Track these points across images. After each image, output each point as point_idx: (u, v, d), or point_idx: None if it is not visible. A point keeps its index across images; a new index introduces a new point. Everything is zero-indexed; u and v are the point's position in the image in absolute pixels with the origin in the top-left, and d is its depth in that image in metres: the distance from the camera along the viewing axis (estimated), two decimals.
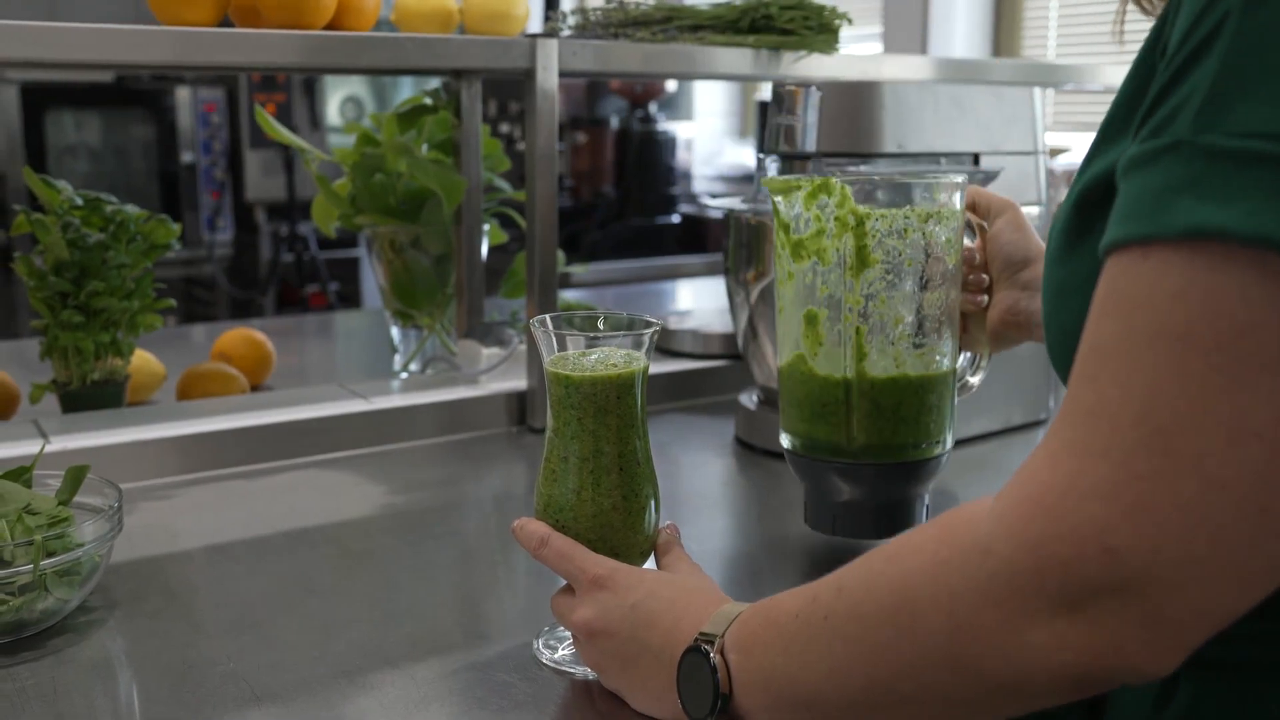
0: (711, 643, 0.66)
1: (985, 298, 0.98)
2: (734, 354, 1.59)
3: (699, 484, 1.29)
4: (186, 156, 4.06)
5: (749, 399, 1.37)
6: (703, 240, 4.60)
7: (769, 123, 1.25)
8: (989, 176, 1.23)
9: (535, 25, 1.60)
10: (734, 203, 1.39)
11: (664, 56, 1.45)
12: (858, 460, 0.92)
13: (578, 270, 2.64)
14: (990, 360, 1.03)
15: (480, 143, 1.54)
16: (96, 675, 0.81)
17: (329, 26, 1.30)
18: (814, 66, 1.52)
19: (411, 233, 1.56)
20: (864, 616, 0.57)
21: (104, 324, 1.33)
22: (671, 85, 4.90)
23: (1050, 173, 1.43)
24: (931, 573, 0.54)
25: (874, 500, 0.94)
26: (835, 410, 0.92)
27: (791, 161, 1.22)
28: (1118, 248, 0.50)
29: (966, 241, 0.97)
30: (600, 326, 0.82)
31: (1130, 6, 0.68)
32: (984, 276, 0.98)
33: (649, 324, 0.80)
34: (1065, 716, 0.65)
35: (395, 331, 1.66)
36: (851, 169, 1.18)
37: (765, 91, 4.40)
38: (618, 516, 0.79)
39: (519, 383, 1.44)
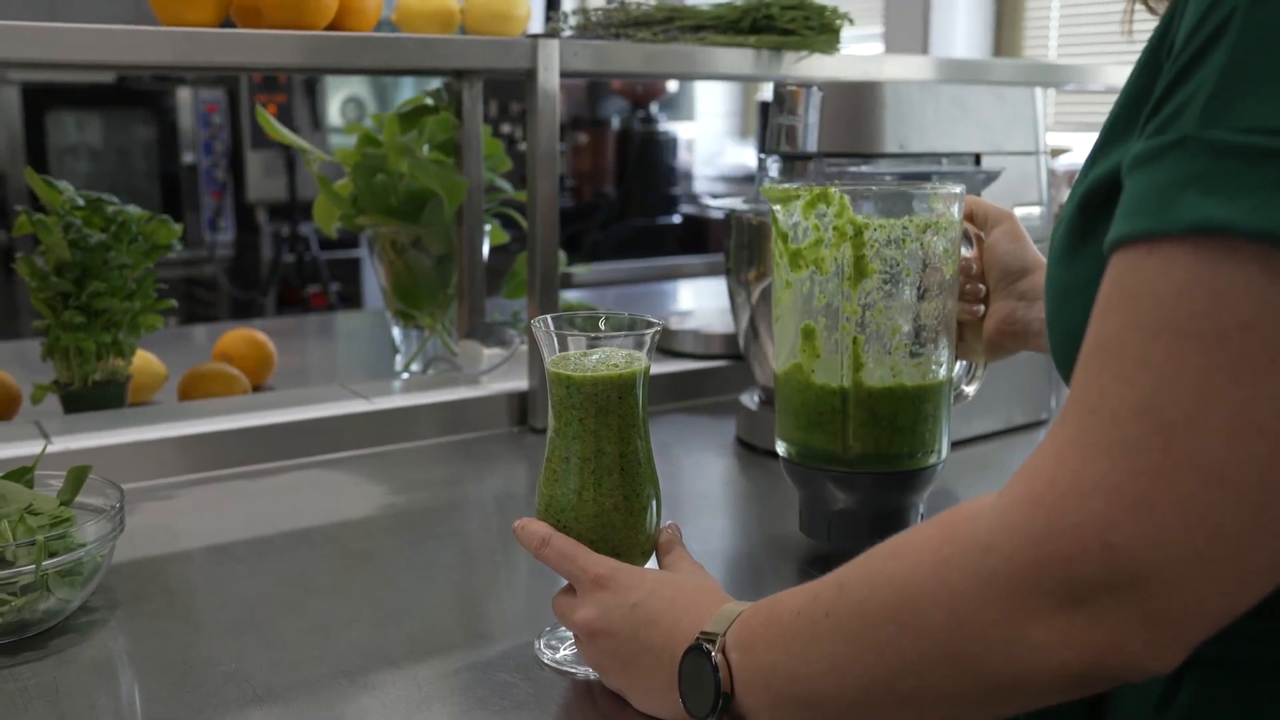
0: (713, 641, 0.66)
1: (982, 307, 0.99)
2: (735, 354, 1.59)
3: (700, 484, 1.29)
4: (188, 157, 4.06)
5: (750, 399, 1.37)
6: (704, 240, 4.60)
7: (770, 123, 1.25)
8: (990, 177, 1.23)
9: (536, 25, 1.60)
10: (735, 203, 1.39)
11: (665, 57, 1.45)
12: (853, 469, 0.93)
13: (579, 271, 2.64)
14: (986, 370, 1.04)
15: (481, 143, 1.54)
16: (98, 675, 0.81)
17: (330, 27, 1.30)
18: (815, 67, 1.52)
19: (413, 233, 1.56)
20: (865, 614, 0.57)
21: (105, 324, 1.33)
22: (673, 85, 4.90)
23: (1052, 173, 1.43)
24: (932, 570, 0.54)
25: (869, 509, 0.94)
26: (831, 419, 0.92)
27: (793, 162, 1.22)
28: (1123, 244, 0.50)
29: (964, 251, 0.97)
30: (601, 327, 0.82)
31: (1137, 5, 0.68)
32: (981, 286, 0.99)
33: (650, 324, 0.81)
34: (1066, 716, 0.65)
35: (396, 332, 1.66)
36: (853, 168, 1.18)
37: (766, 92, 4.40)
38: (619, 516, 0.79)
39: (520, 383, 1.44)
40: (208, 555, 1.04)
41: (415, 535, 1.08)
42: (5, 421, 1.37)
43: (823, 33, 1.51)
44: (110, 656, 0.83)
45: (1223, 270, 0.47)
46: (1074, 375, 0.52)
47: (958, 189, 0.91)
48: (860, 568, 0.60)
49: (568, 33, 1.55)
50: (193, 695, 0.77)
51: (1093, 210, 0.58)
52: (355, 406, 1.35)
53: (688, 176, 5.03)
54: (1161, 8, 0.67)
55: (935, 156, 1.23)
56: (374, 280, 1.70)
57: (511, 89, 4.01)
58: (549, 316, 0.81)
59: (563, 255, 1.50)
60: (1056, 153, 1.83)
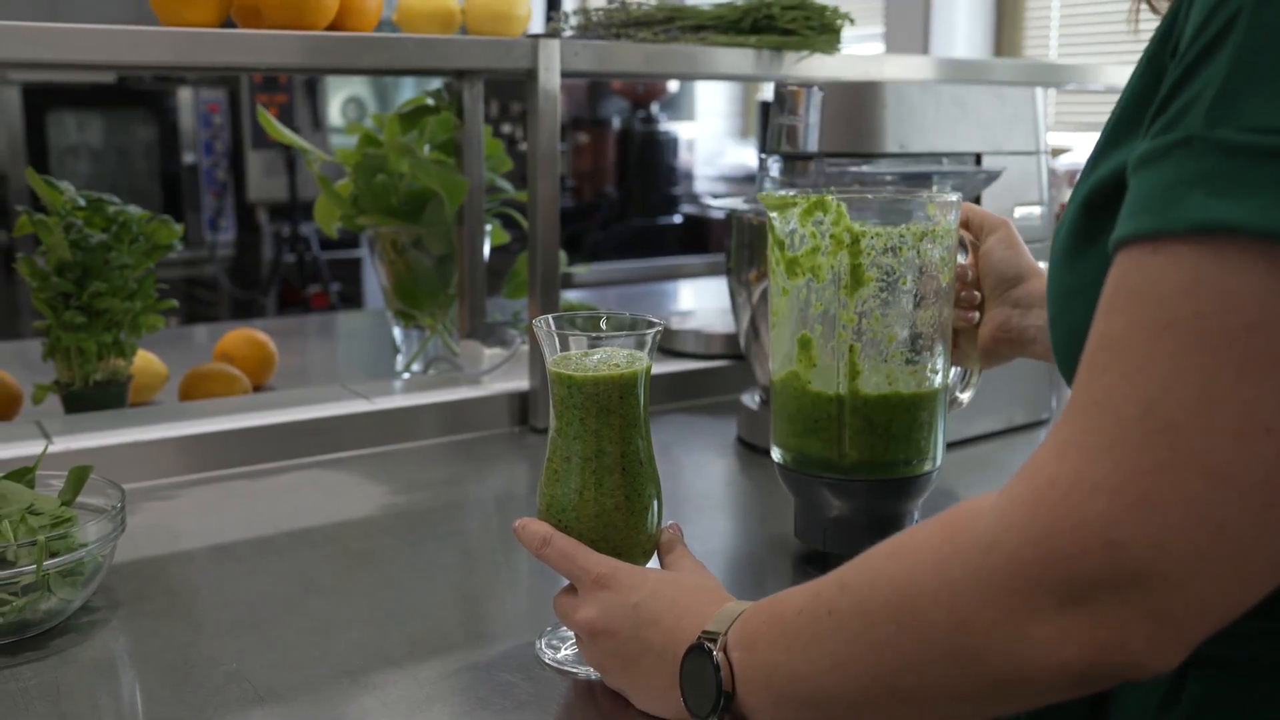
0: (714, 640, 0.66)
1: (977, 314, 0.99)
2: (736, 354, 1.59)
3: (701, 484, 1.29)
4: (188, 157, 4.06)
5: (751, 399, 1.37)
6: (704, 240, 4.61)
7: (771, 123, 1.25)
8: (991, 176, 1.23)
9: (537, 26, 1.60)
10: (736, 203, 1.39)
11: (666, 57, 1.45)
12: (849, 476, 0.93)
13: (580, 270, 2.64)
14: (981, 376, 1.04)
15: (482, 143, 1.54)
16: (99, 675, 0.81)
17: (331, 27, 1.30)
18: (816, 67, 1.52)
19: (413, 233, 1.56)
20: (867, 612, 0.57)
21: (106, 324, 1.33)
22: (673, 85, 4.90)
23: (1052, 173, 1.43)
24: (934, 568, 0.54)
25: (864, 516, 0.94)
26: (828, 426, 0.92)
27: (794, 162, 1.22)
28: (1127, 243, 0.50)
29: (959, 258, 0.97)
30: (603, 327, 0.82)
31: (1142, 4, 0.68)
32: (976, 293, 0.99)
33: (651, 324, 0.81)
34: (1067, 716, 0.65)
35: (397, 332, 1.66)
36: (854, 169, 1.18)
37: (767, 92, 4.40)
38: (620, 516, 0.79)
39: (521, 383, 1.44)
40: (209, 555, 1.04)
41: (416, 535, 1.08)
42: (6, 422, 1.37)
43: (823, 33, 1.51)
44: (111, 656, 0.84)
45: (1228, 270, 0.47)
46: (1077, 374, 0.52)
47: (954, 197, 0.91)
48: (862, 566, 0.60)
49: (568, 33, 1.55)
50: (194, 695, 0.77)
51: (1096, 211, 0.58)
52: (356, 406, 1.35)
53: (688, 176, 5.03)
54: (1164, 6, 0.67)
55: (936, 156, 1.23)
56: (375, 280, 1.70)
57: (512, 89, 4.01)
58: (550, 316, 0.81)
59: (563, 255, 1.50)
60: (1057, 152, 1.83)
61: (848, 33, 1.54)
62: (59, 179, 1.36)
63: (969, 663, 0.53)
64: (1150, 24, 0.62)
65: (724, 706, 0.65)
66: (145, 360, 1.47)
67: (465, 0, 1.47)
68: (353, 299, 4.17)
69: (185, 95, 4.03)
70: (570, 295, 2.13)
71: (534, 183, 1.38)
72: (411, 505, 1.17)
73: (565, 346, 0.80)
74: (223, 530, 1.09)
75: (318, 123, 4.08)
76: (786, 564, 1.02)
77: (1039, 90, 1.33)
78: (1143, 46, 0.59)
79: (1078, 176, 0.63)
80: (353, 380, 1.48)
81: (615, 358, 0.80)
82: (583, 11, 1.58)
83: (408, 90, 4.12)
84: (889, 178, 1.19)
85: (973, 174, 1.23)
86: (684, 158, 4.96)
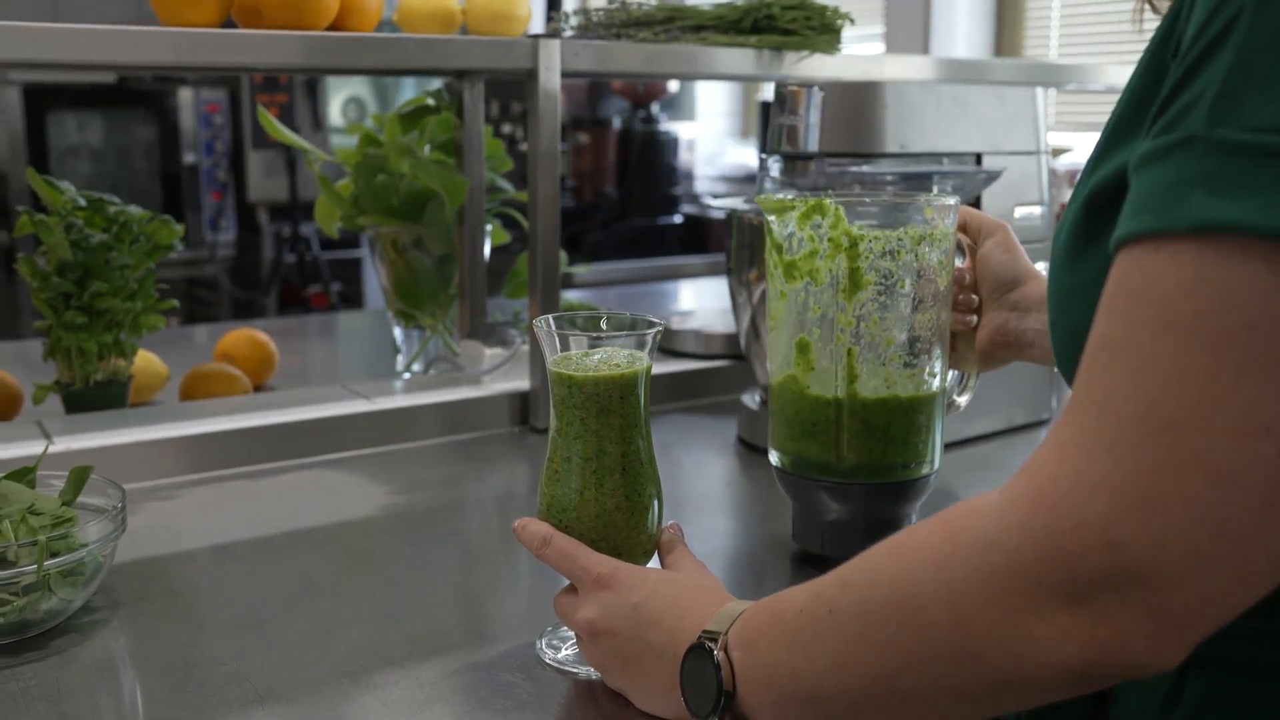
0: (715, 640, 0.66)
1: (974, 318, 0.99)
2: (736, 354, 1.59)
3: (702, 484, 1.29)
4: (189, 157, 4.06)
5: (751, 399, 1.37)
6: (705, 240, 4.61)
7: (771, 123, 1.25)
8: (991, 176, 1.23)
9: (537, 26, 1.60)
10: (736, 203, 1.39)
11: (666, 57, 1.45)
12: (847, 479, 0.93)
13: (580, 271, 2.64)
14: (978, 380, 1.04)
15: (483, 143, 1.54)
16: (100, 675, 0.81)
17: (331, 27, 1.30)
18: (816, 67, 1.52)
19: (414, 233, 1.56)
20: (867, 611, 0.57)
21: (107, 324, 1.33)
22: (674, 85, 4.90)
23: (1053, 173, 1.43)
24: (935, 567, 0.54)
25: (862, 519, 0.95)
26: (826, 429, 0.92)
27: (794, 162, 1.22)
28: (1129, 242, 0.50)
29: (957, 262, 0.97)
30: (603, 327, 0.82)
31: (1144, 3, 0.68)
32: (973, 297, 0.99)
33: (652, 324, 0.81)
34: (1068, 716, 0.65)
35: (398, 332, 1.66)
36: (854, 168, 1.18)
37: (767, 92, 4.40)
38: (621, 516, 0.79)
39: (521, 383, 1.44)
40: (209, 555, 1.04)
41: (417, 535, 1.08)
42: (7, 422, 1.37)
43: (824, 33, 1.51)
44: (112, 656, 0.84)
45: (1230, 269, 0.47)
46: (1078, 374, 0.52)
47: (952, 200, 0.91)
48: (862, 566, 0.60)
49: (569, 33, 1.55)
50: (195, 695, 0.77)
51: (1097, 211, 0.58)
52: (357, 406, 1.35)
53: (689, 176, 5.03)
54: (1164, 6, 0.67)
55: (936, 156, 1.23)
56: (375, 280, 1.71)
57: (513, 89, 4.01)
58: (550, 316, 0.81)
59: (564, 255, 1.50)
60: (1057, 152, 1.83)
61: (848, 33, 1.54)
62: (59, 179, 1.36)
63: (969, 662, 0.53)
64: (1153, 24, 0.62)
65: (724, 706, 0.65)
66: (146, 360, 1.47)
67: (466, 0, 1.47)
68: (353, 299, 4.17)
69: (186, 95, 4.03)
70: (570, 295, 2.13)
71: (534, 183, 1.38)
72: (412, 505, 1.17)
73: (566, 346, 0.80)
74: (223, 530, 1.09)
75: (318, 123, 4.08)
76: (786, 564, 1.02)
77: (1039, 90, 1.33)
78: (1143, 46, 0.59)
79: (1078, 177, 0.63)
80: (353, 380, 1.48)
81: (616, 358, 0.80)
82: (583, 11, 1.58)
83: (408, 90, 4.12)
84: (889, 178, 1.19)
85: (973, 174, 1.23)
86: (684, 158, 4.96)
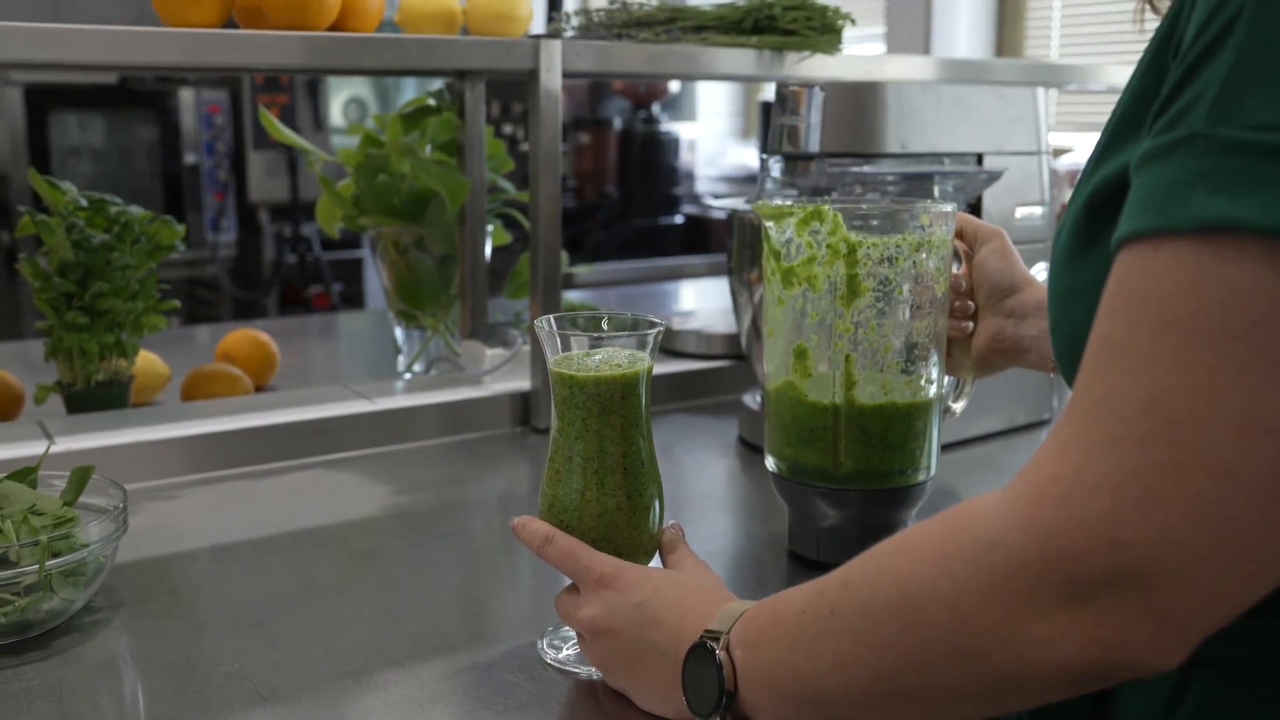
0: (717, 639, 0.66)
1: (970, 324, 1.00)
2: (737, 354, 1.59)
3: (703, 484, 1.29)
4: (190, 158, 4.06)
5: (752, 399, 1.37)
6: (706, 241, 4.61)
7: (772, 123, 1.25)
8: (992, 177, 1.23)
9: (538, 26, 1.60)
10: (737, 203, 1.39)
11: (667, 57, 1.45)
12: (844, 486, 0.93)
13: (581, 271, 2.64)
14: (974, 386, 1.04)
15: (484, 143, 1.54)
16: (102, 675, 0.81)
17: (333, 27, 1.30)
18: (817, 67, 1.52)
19: (415, 233, 1.56)
20: (869, 611, 0.57)
21: (108, 325, 1.33)
22: (675, 86, 4.90)
23: (1054, 173, 1.43)
24: (937, 566, 0.54)
25: (859, 525, 0.95)
26: (823, 436, 0.93)
27: (795, 162, 1.22)
28: (1130, 241, 0.50)
29: (953, 268, 0.98)
30: (604, 327, 0.82)
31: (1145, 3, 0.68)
32: (970, 303, 0.99)
33: (653, 324, 0.81)
34: (1069, 716, 0.65)
35: (399, 332, 1.66)
36: (855, 169, 1.18)
37: (768, 92, 4.40)
38: (622, 516, 0.79)
39: (523, 383, 1.44)
40: (211, 555, 1.04)
41: (418, 535, 1.08)
42: (8, 422, 1.37)
43: (825, 33, 1.51)
44: (114, 656, 0.84)
45: (1231, 267, 0.47)
46: (1079, 373, 0.52)
47: (949, 207, 0.91)
48: (864, 565, 0.60)
49: (570, 33, 1.55)
50: (196, 695, 0.77)
51: (1098, 212, 0.58)
52: (358, 407, 1.35)
53: (690, 177, 5.03)
54: (1164, 6, 0.67)
55: (937, 156, 1.23)
56: (376, 281, 1.70)
57: (514, 89, 4.01)
58: (552, 317, 0.81)
59: (565, 256, 1.50)
60: (1059, 153, 1.83)
61: (849, 33, 1.54)
62: (61, 179, 1.36)
63: (971, 661, 0.53)
64: (1154, 24, 0.62)
65: (726, 705, 0.65)
66: (147, 360, 1.47)
67: (467, 1, 1.47)
68: (354, 299, 4.17)
69: (187, 96, 4.03)
70: (572, 295, 2.13)
71: (535, 183, 1.38)
72: (413, 505, 1.17)
73: (567, 347, 0.80)
74: (225, 530, 1.09)
75: (319, 123, 4.08)
76: (786, 564, 1.02)
77: (1040, 90, 1.33)
78: (1144, 46, 0.59)
79: (1078, 177, 0.63)
80: (354, 380, 1.48)
81: (617, 358, 0.80)
82: (584, 12, 1.58)
83: (409, 91, 4.12)
84: (890, 178, 1.19)
85: (974, 174, 1.23)
86: (685, 158, 4.96)
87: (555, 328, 0.80)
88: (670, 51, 1.45)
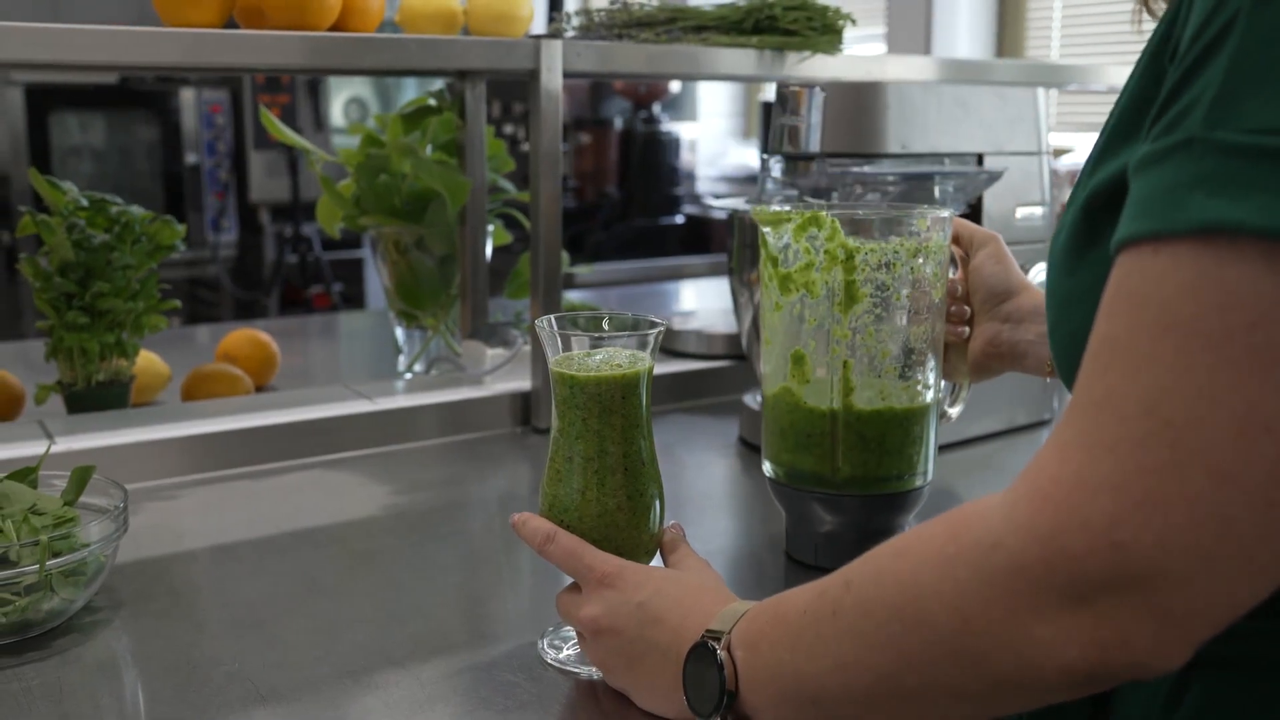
0: (718, 639, 0.66)
1: (966, 329, 1.00)
2: (738, 354, 1.59)
3: (703, 484, 1.29)
4: (191, 158, 4.06)
5: (753, 399, 1.37)
6: (706, 241, 4.61)
7: (773, 123, 1.25)
8: (993, 177, 1.23)
9: (539, 26, 1.60)
10: (738, 203, 1.39)
11: (668, 57, 1.45)
12: (841, 491, 0.93)
13: (582, 271, 2.64)
14: (969, 391, 1.04)
15: (484, 143, 1.54)
16: (102, 675, 0.81)
17: (333, 28, 1.30)
18: (818, 67, 1.52)
19: (416, 233, 1.56)
20: (871, 612, 0.57)
21: (109, 325, 1.33)
22: (675, 86, 4.90)
23: (1054, 173, 1.43)
24: (939, 567, 0.54)
25: (856, 530, 0.95)
26: (821, 441, 0.93)
27: (795, 162, 1.22)
28: (1129, 244, 0.50)
29: (949, 273, 0.98)
30: (605, 327, 0.82)
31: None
32: (966, 308, 1.00)
33: (653, 324, 0.81)
34: (1070, 716, 0.65)
35: (399, 332, 1.66)
36: (856, 169, 1.18)
37: (769, 92, 4.40)
38: (623, 516, 0.79)
39: (523, 383, 1.44)
40: (211, 555, 1.04)
41: (418, 535, 1.08)
42: (9, 422, 1.37)
43: (825, 33, 1.51)
44: (114, 656, 0.84)
45: (1230, 269, 0.47)
46: (1079, 375, 0.52)
47: (946, 213, 0.92)
48: (867, 566, 0.60)
49: (570, 33, 1.55)
50: (196, 695, 0.77)
51: (1096, 214, 0.58)
52: (358, 407, 1.35)
53: (690, 177, 5.03)
54: (1160, 7, 0.67)
55: (938, 157, 1.23)
56: (377, 281, 1.70)
57: (515, 89, 4.01)
58: (552, 317, 0.81)
59: (565, 256, 1.50)
60: (1059, 153, 1.83)
61: (849, 33, 1.54)
62: (61, 179, 1.36)
63: (973, 662, 0.53)
64: (1152, 25, 0.62)
65: (727, 705, 0.65)
66: (148, 360, 1.47)
67: (467, 1, 1.47)
68: (355, 299, 4.17)
69: (187, 96, 4.03)
70: (572, 295, 2.13)
71: (536, 183, 1.38)
72: (414, 505, 1.17)
73: (567, 347, 0.80)
74: (225, 530, 1.09)
75: (320, 123, 4.08)
76: (788, 564, 1.02)
77: (1041, 90, 1.33)
78: (1143, 47, 0.59)
79: (1077, 179, 0.63)
80: (355, 380, 1.48)
81: (617, 358, 0.80)
82: (585, 12, 1.58)
83: (410, 91, 4.13)
84: (891, 178, 1.19)
85: (974, 174, 1.23)
86: (686, 158, 4.96)
87: (556, 328, 0.80)
88: (671, 52, 1.45)
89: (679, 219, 4.78)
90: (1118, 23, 3.39)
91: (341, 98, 4.20)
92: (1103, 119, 0.61)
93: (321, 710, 0.76)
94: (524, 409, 1.42)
